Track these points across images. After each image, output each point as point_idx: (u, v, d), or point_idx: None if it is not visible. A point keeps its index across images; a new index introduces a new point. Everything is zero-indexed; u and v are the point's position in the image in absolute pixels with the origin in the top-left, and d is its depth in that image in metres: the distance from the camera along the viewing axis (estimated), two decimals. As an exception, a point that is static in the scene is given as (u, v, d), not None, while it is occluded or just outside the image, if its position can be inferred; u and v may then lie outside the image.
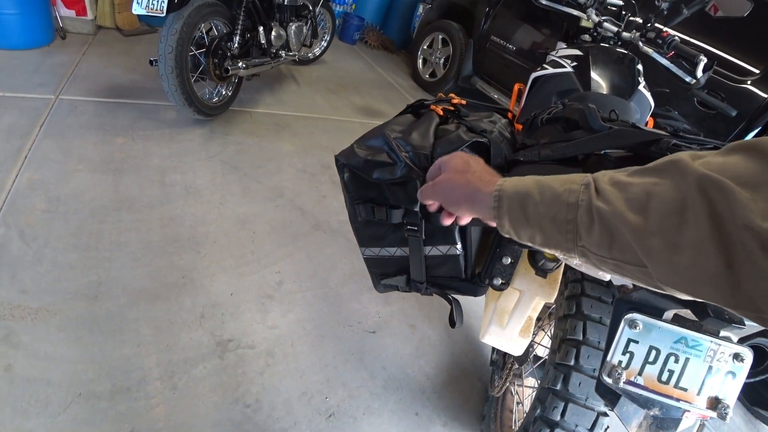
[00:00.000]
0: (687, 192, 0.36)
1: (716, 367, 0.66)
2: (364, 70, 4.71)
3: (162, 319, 1.49)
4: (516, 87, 1.89)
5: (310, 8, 3.29)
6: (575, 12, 1.78)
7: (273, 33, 2.79)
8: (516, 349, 0.91)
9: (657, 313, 0.66)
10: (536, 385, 1.37)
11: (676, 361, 0.66)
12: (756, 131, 2.43)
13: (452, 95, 0.93)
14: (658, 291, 0.56)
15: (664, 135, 0.62)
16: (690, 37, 2.63)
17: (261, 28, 2.70)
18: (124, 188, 1.96)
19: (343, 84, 4.05)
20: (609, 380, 0.68)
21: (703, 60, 1.52)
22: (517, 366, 1.33)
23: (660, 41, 1.63)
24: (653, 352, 0.67)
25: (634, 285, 0.72)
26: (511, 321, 0.85)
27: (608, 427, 0.96)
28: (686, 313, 0.67)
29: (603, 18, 1.71)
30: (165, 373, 1.36)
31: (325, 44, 4.24)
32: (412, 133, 0.76)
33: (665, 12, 1.70)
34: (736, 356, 0.66)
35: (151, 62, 2.23)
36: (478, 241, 0.82)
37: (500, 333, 0.88)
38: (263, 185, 2.30)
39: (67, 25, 3.21)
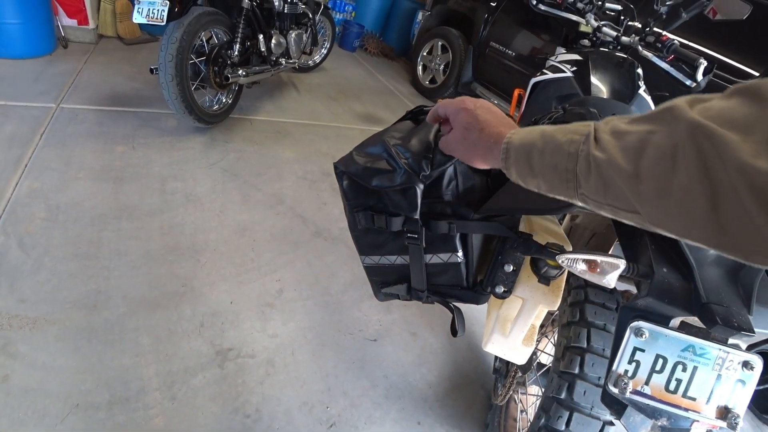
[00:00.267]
0: (679, 139, 0.37)
1: (725, 375, 0.65)
2: (364, 77, 4.72)
3: (161, 329, 1.48)
4: (516, 92, 1.89)
5: (310, 16, 3.30)
6: (574, 17, 1.78)
7: (273, 41, 2.80)
8: (519, 357, 0.89)
9: (663, 321, 0.65)
10: (540, 393, 1.35)
11: (684, 369, 0.65)
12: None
13: None
14: (663, 299, 0.55)
15: None
16: (689, 40, 2.63)
17: (261, 36, 2.71)
18: (124, 196, 1.96)
19: (344, 91, 4.06)
20: (615, 390, 0.66)
21: (703, 63, 1.52)
22: (520, 374, 1.31)
23: (659, 45, 1.62)
24: (660, 361, 0.65)
25: (638, 291, 0.70)
26: (514, 329, 0.83)
27: (614, 436, 0.94)
28: (693, 320, 0.65)
29: (602, 23, 1.71)
30: (164, 383, 1.34)
31: (325, 52, 4.26)
32: (412, 140, 0.75)
33: (664, 16, 1.70)
34: (746, 364, 0.64)
35: (151, 70, 2.23)
36: (480, 248, 0.80)
37: (503, 342, 0.86)
38: (264, 193, 2.29)
39: (68, 35, 3.23)
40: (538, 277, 0.77)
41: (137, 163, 2.19)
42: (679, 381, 0.65)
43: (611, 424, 0.93)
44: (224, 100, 2.74)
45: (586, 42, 1.77)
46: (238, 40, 2.50)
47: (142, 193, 2.01)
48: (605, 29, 1.68)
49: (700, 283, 0.63)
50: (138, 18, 2.07)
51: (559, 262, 0.67)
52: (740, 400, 0.65)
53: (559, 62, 1.53)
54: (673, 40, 1.59)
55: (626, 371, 0.66)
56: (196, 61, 2.37)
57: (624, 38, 1.67)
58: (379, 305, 1.85)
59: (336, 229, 2.20)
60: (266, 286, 1.77)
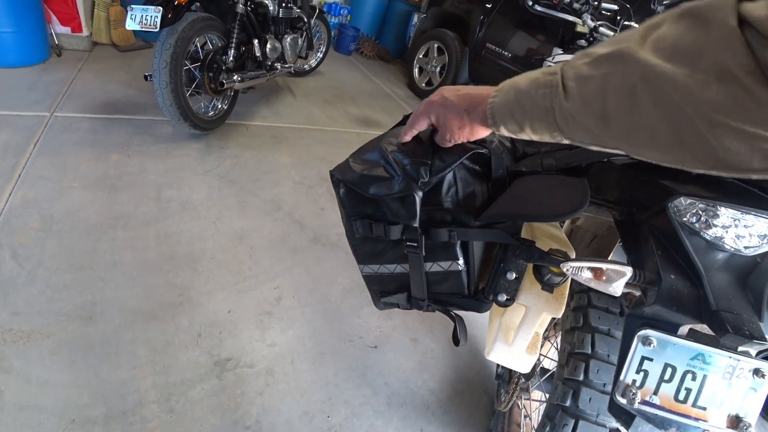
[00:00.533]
0: (634, 80, 0.39)
1: (736, 383, 0.63)
2: (360, 80, 4.71)
3: (158, 340, 1.46)
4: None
5: (305, 20, 3.29)
6: (570, 17, 1.77)
7: (268, 46, 2.79)
8: (523, 366, 0.87)
9: (671, 329, 0.63)
10: (544, 398, 1.33)
11: (694, 378, 0.63)
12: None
13: None
14: (671, 307, 0.55)
15: None
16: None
17: (256, 41, 2.70)
18: (119, 205, 1.94)
19: (340, 95, 4.05)
20: (623, 401, 0.64)
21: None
22: (523, 380, 1.29)
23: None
24: (669, 370, 0.63)
25: (644, 298, 0.69)
26: (518, 338, 0.82)
27: (621, 444, 0.92)
28: (702, 327, 0.64)
29: (598, 23, 1.70)
30: (162, 395, 1.32)
31: (321, 55, 4.25)
32: (409, 146, 0.73)
33: (661, 15, 1.69)
34: (756, 371, 0.62)
35: (145, 77, 2.22)
36: (481, 255, 0.79)
37: (506, 350, 0.84)
38: (260, 199, 2.27)
39: (62, 42, 3.21)
40: (542, 285, 0.75)
41: (132, 172, 2.17)
42: (688, 390, 0.63)
43: (618, 431, 0.92)
44: (220, 106, 2.73)
45: (582, 42, 1.77)
46: (233, 45, 2.49)
47: (137, 202, 1.99)
48: (602, 29, 1.68)
49: (709, 289, 0.62)
50: (131, 25, 2.06)
51: (564, 270, 0.65)
52: (752, 409, 0.63)
53: (556, 63, 1.51)
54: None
55: (634, 381, 0.64)
56: (191, 67, 2.35)
57: (621, 38, 1.66)
58: (378, 311, 1.83)
59: (334, 234, 2.18)
60: (264, 294, 1.74)
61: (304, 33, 3.41)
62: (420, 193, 0.68)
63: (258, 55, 2.74)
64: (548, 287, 0.75)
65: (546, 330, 1.28)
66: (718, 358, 0.62)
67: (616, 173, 0.86)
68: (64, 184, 1.96)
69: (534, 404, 1.40)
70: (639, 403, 0.64)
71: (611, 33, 1.67)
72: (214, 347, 1.49)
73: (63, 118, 2.41)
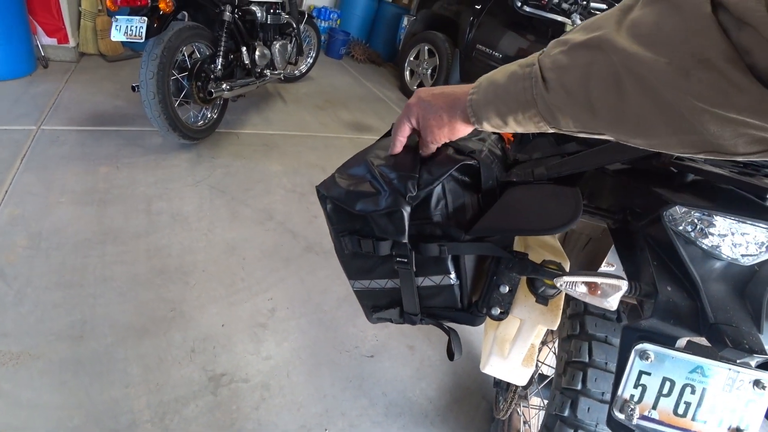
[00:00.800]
0: (617, 68, 0.39)
1: (736, 395, 0.61)
2: (351, 84, 4.69)
3: (151, 357, 1.43)
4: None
5: (294, 26, 3.26)
6: (560, 18, 1.76)
7: (257, 53, 2.77)
8: (520, 379, 0.86)
9: (669, 342, 0.61)
10: (542, 404, 1.31)
11: (693, 392, 0.61)
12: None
13: None
14: (668, 320, 0.54)
15: None
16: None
17: (244, 49, 2.67)
18: (108, 220, 1.91)
19: (331, 100, 4.03)
20: (621, 416, 0.63)
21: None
22: (521, 388, 1.27)
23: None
24: (667, 384, 0.62)
25: (641, 310, 0.67)
26: (513, 351, 0.80)
27: (622, 454, 0.90)
28: (700, 339, 0.62)
29: (588, 23, 1.69)
30: (156, 414, 1.29)
31: (311, 60, 4.23)
32: (396, 159, 0.71)
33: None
34: (757, 383, 0.61)
35: (133, 88, 2.19)
36: (473, 268, 0.77)
37: (502, 363, 0.83)
38: (252, 208, 2.25)
39: (48, 54, 3.17)
40: (536, 297, 0.74)
41: (121, 184, 2.14)
42: (688, 404, 0.62)
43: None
44: (209, 115, 2.70)
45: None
46: (221, 53, 2.46)
47: (126, 215, 1.96)
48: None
49: (706, 300, 0.60)
50: (116, 36, 2.04)
51: (557, 285, 0.64)
52: (753, 421, 0.62)
53: None
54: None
55: (632, 396, 0.63)
56: (179, 76, 2.33)
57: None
58: (375, 319, 1.80)
59: (327, 243, 2.16)
60: (258, 305, 1.72)
61: (294, 38, 3.38)
62: (408, 208, 0.66)
63: (247, 62, 2.72)
64: (543, 299, 0.73)
65: (543, 336, 1.26)
66: (718, 370, 0.61)
67: (610, 179, 0.85)
68: (51, 199, 1.93)
69: (533, 410, 1.39)
70: (638, 418, 0.62)
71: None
72: (208, 362, 1.47)
73: (50, 131, 2.37)
